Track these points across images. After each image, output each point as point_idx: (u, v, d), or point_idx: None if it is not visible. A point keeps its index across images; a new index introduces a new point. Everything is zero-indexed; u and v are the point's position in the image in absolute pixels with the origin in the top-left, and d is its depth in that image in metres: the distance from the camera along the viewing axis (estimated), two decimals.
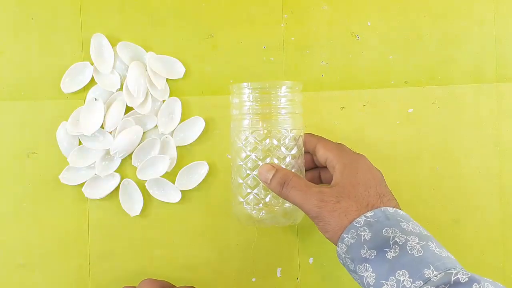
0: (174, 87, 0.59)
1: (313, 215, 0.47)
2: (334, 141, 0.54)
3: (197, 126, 0.59)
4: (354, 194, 0.47)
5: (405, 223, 0.45)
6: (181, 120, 0.59)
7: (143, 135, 0.58)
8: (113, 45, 0.58)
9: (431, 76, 0.60)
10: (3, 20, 0.59)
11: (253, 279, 0.59)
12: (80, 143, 0.59)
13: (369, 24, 0.60)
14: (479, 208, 0.60)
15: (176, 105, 0.59)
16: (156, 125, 0.59)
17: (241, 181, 0.52)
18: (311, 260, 0.59)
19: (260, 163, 0.51)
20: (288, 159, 0.51)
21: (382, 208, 0.46)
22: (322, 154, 0.52)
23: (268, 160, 0.51)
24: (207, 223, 0.59)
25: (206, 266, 0.59)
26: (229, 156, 0.59)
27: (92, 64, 0.59)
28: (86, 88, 0.59)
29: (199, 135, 0.59)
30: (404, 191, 0.59)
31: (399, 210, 0.47)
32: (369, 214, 0.45)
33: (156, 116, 0.59)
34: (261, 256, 0.59)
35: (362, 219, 0.45)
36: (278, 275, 0.59)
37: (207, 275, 0.59)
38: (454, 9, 0.60)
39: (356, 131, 0.60)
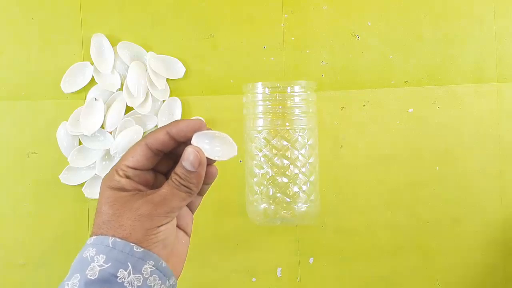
0: (174, 87, 0.60)
1: None
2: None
3: None
4: None
5: None
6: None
7: (143, 135, 0.58)
8: (113, 45, 0.58)
9: (431, 76, 0.60)
10: (3, 20, 0.59)
11: (253, 279, 0.59)
12: (80, 143, 0.59)
13: (369, 24, 0.60)
14: (479, 208, 0.59)
15: (176, 105, 0.59)
16: (157, 125, 0.59)
17: (254, 179, 0.52)
18: (311, 260, 0.59)
19: (276, 161, 0.51)
20: (300, 159, 0.51)
21: None
22: None
23: (276, 160, 0.51)
24: (207, 223, 0.59)
25: (206, 265, 0.59)
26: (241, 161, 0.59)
27: (92, 64, 0.59)
28: (86, 88, 0.59)
29: None
30: (404, 191, 0.59)
31: None
32: None
33: (156, 116, 0.59)
34: (261, 256, 0.59)
35: None
36: (278, 275, 0.59)
37: (208, 274, 0.59)
38: (454, 9, 0.60)
39: (356, 131, 0.60)
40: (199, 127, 0.41)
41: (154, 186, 0.42)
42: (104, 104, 0.58)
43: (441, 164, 0.60)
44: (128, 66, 0.58)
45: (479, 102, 0.60)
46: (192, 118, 0.41)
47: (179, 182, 0.40)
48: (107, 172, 0.42)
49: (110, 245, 0.38)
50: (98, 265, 0.37)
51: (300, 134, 0.51)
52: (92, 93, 0.59)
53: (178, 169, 0.40)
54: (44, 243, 0.58)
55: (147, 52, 0.59)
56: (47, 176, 0.58)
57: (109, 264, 0.37)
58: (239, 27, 0.60)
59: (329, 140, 0.59)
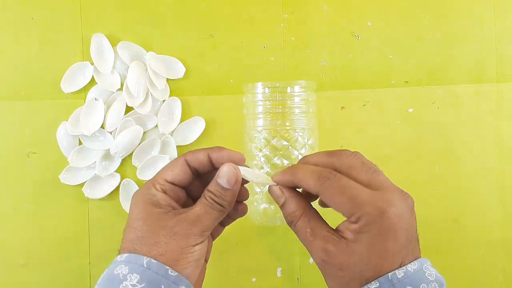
0: (174, 87, 0.60)
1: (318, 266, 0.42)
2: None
3: (197, 126, 0.59)
4: (360, 267, 0.39)
5: None
6: (181, 120, 0.59)
7: (143, 135, 0.58)
8: (113, 45, 0.58)
9: (431, 76, 0.60)
10: (3, 20, 0.59)
11: (253, 279, 0.59)
12: (80, 143, 0.59)
13: (369, 24, 0.60)
14: (479, 208, 0.60)
15: (176, 105, 0.59)
16: (156, 125, 0.59)
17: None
18: (311, 260, 0.59)
19: (276, 161, 0.51)
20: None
21: (389, 274, 0.38)
22: (338, 207, 0.41)
23: (276, 160, 0.51)
24: None
25: (206, 266, 0.59)
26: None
27: (92, 64, 0.59)
28: (86, 88, 0.59)
29: (199, 135, 0.58)
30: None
31: (410, 268, 0.39)
32: (373, 286, 0.38)
33: (156, 116, 0.59)
34: (261, 256, 0.59)
35: None
36: (278, 275, 0.59)
37: (207, 275, 0.59)
38: (454, 9, 0.60)
39: (356, 131, 0.60)
40: (238, 160, 0.42)
41: (183, 206, 0.42)
42: (104, 104, 0.58)
43: (441, 164, 0.60)
44: (128, 66, 0.58)
45: (479, 102, 0.60)
46: (235, 151, 0.42)
47: (213, 200, 0.40)
48: (142, 186, 0.42)
49: (145, 265, 0.37)
50: (131, 284, 0.36)
51: (300, 134, 0.51)
52: (92, 93, 0.59)
53: (212, 187, 0.41)
54: (44, 243, 0.58)
55: (147, 52, 0.59)
56: (47, 176, 0.58)
57: (143, 284, 0.36)
58: (239, 27, 0.60)
59: (329, 140, 0.59)
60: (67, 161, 0.57)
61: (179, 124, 0.59)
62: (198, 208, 0.40)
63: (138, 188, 0.58)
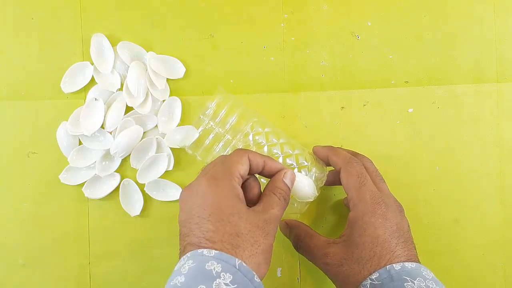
0: (174, 87, 0.60)
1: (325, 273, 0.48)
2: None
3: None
4: (358, 255, 0.45)
5: (410, 283, 0.41)
6: (181, 120, 0.59)
7: (143, 135, 0.58)
8: (113, 45, 0.58)
9: (431, 76, 0.60)
10: (3, 20, 0.59)
11: None
12: (80, 143, 0.59)
13: (369, 24, 0.60)
14: (479, 208, 0.60)
15: (176, 105, 0.59)
16: (156, 125, 0.59)
17: None
18: None
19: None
20: (272, 149, 0.51)
21: (387, 266, 0.42)
22: (344, 184, 0.50)
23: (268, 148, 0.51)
24: None
25: None
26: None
27: (92, 64, 0.59)
28: (86, 88, 0.59)
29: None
30: (404, 191, 0.59)
31: (407, 264, 0.43)
32: (374, 276, 0.42)
33: (156, 116, 0.59)
34: None
35: (368, 283, 0.42)
36: (278, 275, 0.59)
37: None
38: (454, 9, 0.60)
39: (356, 131, 0.60)
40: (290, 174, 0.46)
41: None
42: (104, 104, 0.58)
43: (441, 164, 0.60)
44: (128, 66, 0.58)
45: (479, 102, 0.60)
46: (287, 168, 0.47)
47: (282, 196, 0.43)
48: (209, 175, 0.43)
49: (237, 267, 0.37)
50: (224, 283, 0.36)
51: (250, 131, 0.52)
52: (92, 93, 0.59)
53: (280, 184, 0.44)
54: (44, 243, 0.58)
55: (147, 52, 0.59)
56: (47, 176, 0.58)
57: (235, 286, 0.36)
58: (239, 27, 0.60)
59: (329, 140, 0.59)
60: (67, 161, 0.58)
61: (178, 125, 0.59)
62: (276, 209, 0.42)
63: (138, 188, 0.58)
